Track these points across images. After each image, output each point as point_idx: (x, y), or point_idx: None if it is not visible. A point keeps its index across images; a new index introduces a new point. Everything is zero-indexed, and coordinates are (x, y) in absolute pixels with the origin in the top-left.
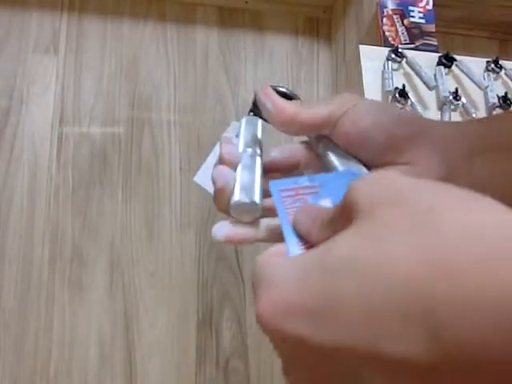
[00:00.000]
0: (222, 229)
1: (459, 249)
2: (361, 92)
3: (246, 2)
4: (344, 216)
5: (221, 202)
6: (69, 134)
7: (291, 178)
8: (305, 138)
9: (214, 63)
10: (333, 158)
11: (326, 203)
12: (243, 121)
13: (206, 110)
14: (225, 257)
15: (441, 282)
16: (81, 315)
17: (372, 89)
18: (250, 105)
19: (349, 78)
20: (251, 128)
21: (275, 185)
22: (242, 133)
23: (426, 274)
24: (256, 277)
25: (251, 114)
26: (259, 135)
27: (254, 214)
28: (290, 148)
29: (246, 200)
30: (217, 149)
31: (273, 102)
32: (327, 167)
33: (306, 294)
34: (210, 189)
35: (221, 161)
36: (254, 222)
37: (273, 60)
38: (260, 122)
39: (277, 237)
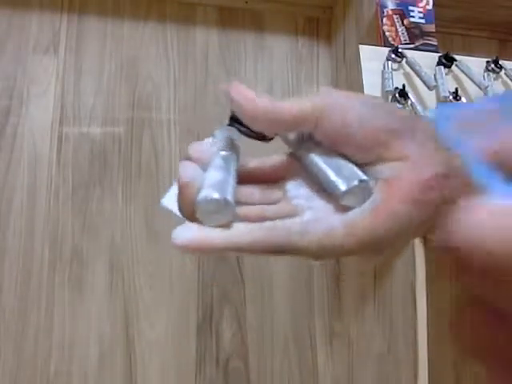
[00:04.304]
0: (186, 232)
1: None
2: (361, 92)
3: (246, 2)
4: None
5: (184, 203)
6: (69, 134)
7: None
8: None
9: (213, 63)
10: (317, 160)
11: None
12: (218, 130)
13: (206, 110)
14: (225, 257)
15: None
16: (81, 315)
17: (372, 89)
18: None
19: (349, 77)
20: (227, 134)
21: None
22: (216, 137)
23: None
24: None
25: (227, 126)
26: (236, 142)
27: (225, 216)
28: (270, 159)
29: (216, 196)
30: None
31: (241, 94)
32: (313, 173)
33: None
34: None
35: (187, 158)
36: (226, 227)
37: (273, 60)
38: (237, 133)
39: (261, 245)
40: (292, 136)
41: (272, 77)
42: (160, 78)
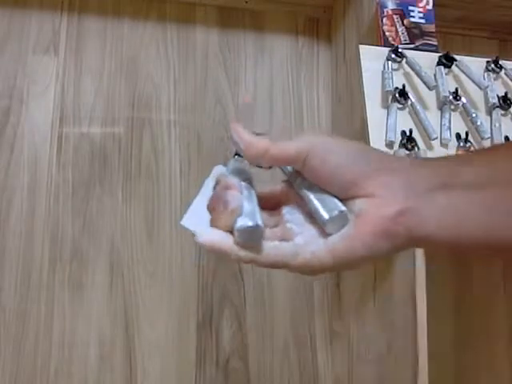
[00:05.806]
0: (210, 235)
1: None
2: (361, 92)
3: (246, 2)
4: None
5: (226, 224)
6: (69, 134)
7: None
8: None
9: (213, 63)
10: (307, 193)
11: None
12: (231, 161)
13: (206, 110)
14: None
15: None
16: (81, 315)
17: (372, 89)
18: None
19: (349, 77)
20: (240, 166)
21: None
22: (232, 170)
23: None
24: None
25: (236, 156)
26: (248, 172)
27: (257, 237)
28: (270, 188)
29: (252, 223)
30: (204, 191)
31: (241, 139)
32: (304, 202)
33: None
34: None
35: (228, 187)
36: (257, 248)
37: (273, 60)
38: (246, 162)
39: (261, 261)
40: (290, 168)
41: (272, 77)
42: (160, 78)
